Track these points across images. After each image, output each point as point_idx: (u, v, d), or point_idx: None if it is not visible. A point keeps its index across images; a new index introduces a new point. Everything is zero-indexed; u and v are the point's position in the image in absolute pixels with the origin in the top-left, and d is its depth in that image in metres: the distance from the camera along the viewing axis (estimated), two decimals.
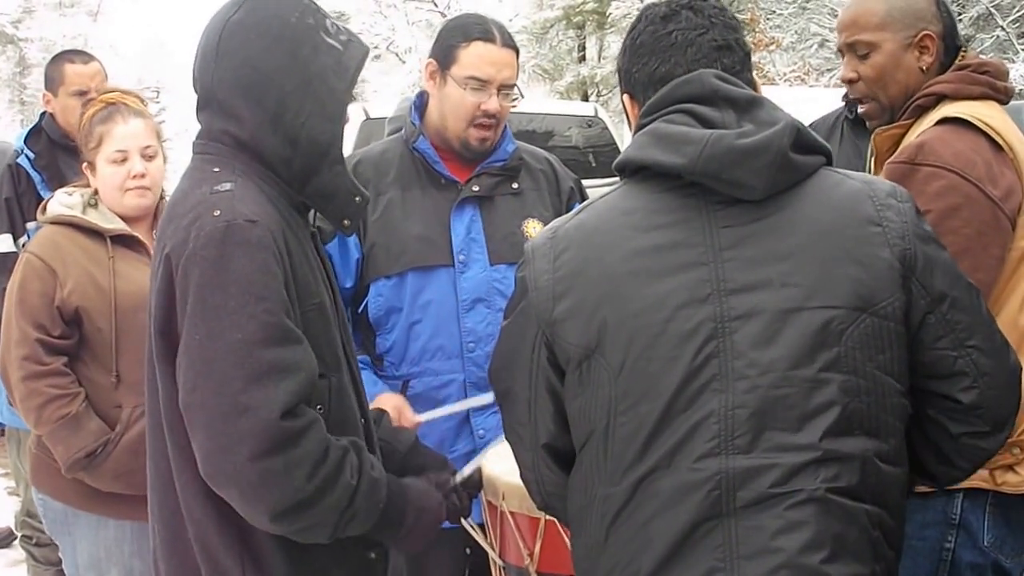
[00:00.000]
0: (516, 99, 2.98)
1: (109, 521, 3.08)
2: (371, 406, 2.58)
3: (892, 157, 2.43)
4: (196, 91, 2.09)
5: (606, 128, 9.21)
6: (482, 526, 2.56)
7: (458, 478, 2.34)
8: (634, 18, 1.98)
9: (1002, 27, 15.32)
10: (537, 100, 13.42)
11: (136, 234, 3.14)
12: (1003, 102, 2.48)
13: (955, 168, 2.30)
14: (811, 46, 18.87)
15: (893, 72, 2.51)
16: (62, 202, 3.17)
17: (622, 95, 2.00)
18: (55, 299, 3.01)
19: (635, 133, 1.90)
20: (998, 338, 1.85)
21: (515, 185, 3.00)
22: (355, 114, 7.21)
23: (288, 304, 1.92)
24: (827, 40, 18.11)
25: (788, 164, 1.78)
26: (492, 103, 2.89)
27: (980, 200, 2.30)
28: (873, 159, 2.59)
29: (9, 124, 27.48)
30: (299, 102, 2.01)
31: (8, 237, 4.19)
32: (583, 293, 1.80)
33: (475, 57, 2.88)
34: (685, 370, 1.72)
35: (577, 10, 22.49)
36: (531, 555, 2.35)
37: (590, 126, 9.22)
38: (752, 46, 1.97)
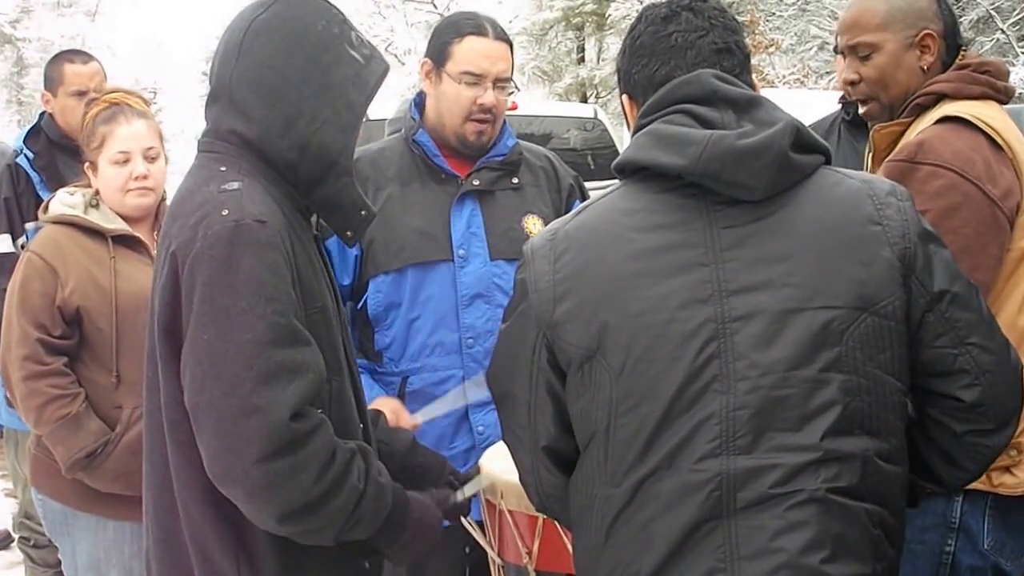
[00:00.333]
0: (512, 92, 2.98)
1: (108, 522, 3.08)
2: (374, 403, 2.59)
3: (891, 155, 2.43)
4: (211, 84, 2.08)
5: (605, 130, 9.22)
6: (481, 524, 2.56)
7: (459, 496, 2.33)
8: (633, 19, 1.98)
9: (1002, 30, 15.34)
10: (536, 102, 13.43)
11: (138, 234, 3.14)
12: (1003, 102, 2.48)
13: (955, 167, 2.30)
14: (811, 48, 18.88)
15: (894, 72, 2.51)
16: (64, 202, 3.16)
17: (621, 95, 2.00)
18: (56, 299, 3.01)
19: (634, 134, 1.90)
20: (999, 336, 1.85)
21: (515, 180, 3.01)
22: None
23: (296, 305, 1.91)
24: (827, 43, 18.12)
25: (788, 164, 1.78)
26: (488, 97, 2.89)
27: (979, 199, 2.30)
28: (871, 156, 2.59)
29: (6, 124, 27.48)
30: (314, 109, 2.00)
31: (7, 237, 4.18)
32: (584, 294, 1.80)
33: (468, 52, 2.89)
34: (686, 371, 1.72)
35: (576, 11, 22.52)
36: (530, 553, 2.36)
37: (589, 128, 9.22)
38: (751, 48, 1.98)
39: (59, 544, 3.24)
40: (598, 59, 23.64)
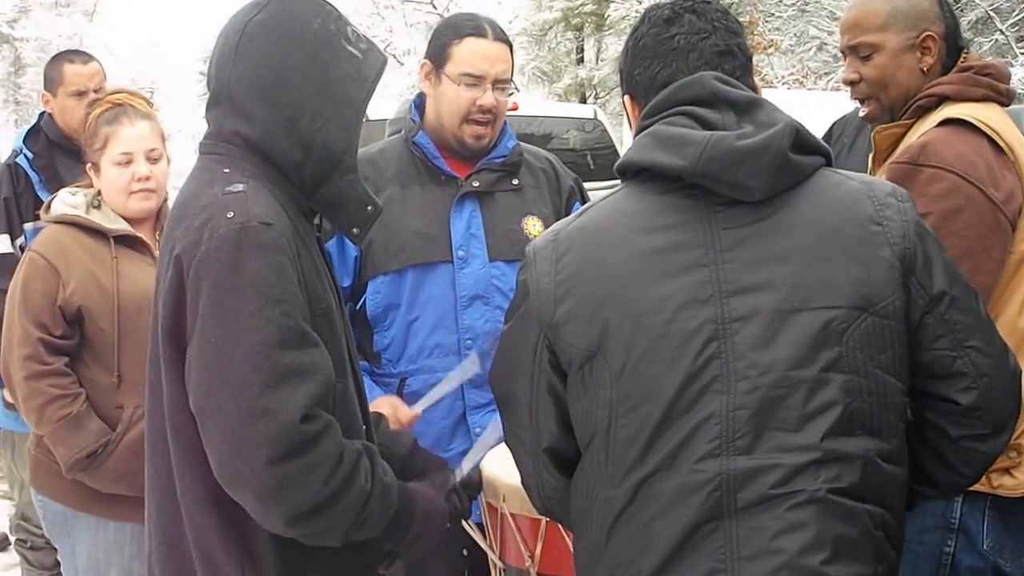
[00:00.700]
0: (512, 93, 2.98)
1: (109, 523, 3.08)
2: (373, 404, 2.58)
3: (894, 157, 2.43)
4: (209, 88, 2.08)
5: (605, 130, 9.21)
6: (481, 526, 2.55)
7: (458, 476, 2.33)
8: (633, 20, 1.99)
9: (1001, 31, 15.34)
10: (536, 102, 13.42)
11: (140, 235, 3.15)
12: (1004, 104, 2.48)
13: (957, 170, 2.31)
14: (810, 49, 18.88)
15: (895, 73, 2.51)
16: (66, 202, 3.17)
17: (623, 96, 2.00)
18: (57, 299, 3.01)
19: (636, 135, 1.90)
20: (997, 340, 1.85)
21: (515, 181, 3.00)
22: None
23: (304, 307, 1.91)
24: (826, 43, 18.12)
25: (788, 165, 1.78)
26: (487, 98, 2.89)
27: (982, 202, 2.30)
28: (871, 157, 2.59)
29: (4, 124, 27.47)
30: (316, 108, 2.00)
31: (6, 238, 4.18)
32: (585, 295, 1.80)
33: (468, 53, 2.89)
34: (686, 371, 1.72)
35: (576, 12, 22.52)
36: (532, 557, 2.35)
37: (589, 128, 9.22)
38: (751, 49, 1.98)
39: (58, 545, 3.24)
40: (597, 60, 23.64)
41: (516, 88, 3.00)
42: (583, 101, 21.80)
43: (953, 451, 1.85)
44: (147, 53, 38.76)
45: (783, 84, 17.12)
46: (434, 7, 24.70)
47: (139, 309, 2.94)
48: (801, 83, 17.46)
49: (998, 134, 2.37)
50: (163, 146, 3.21)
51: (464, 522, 2.51)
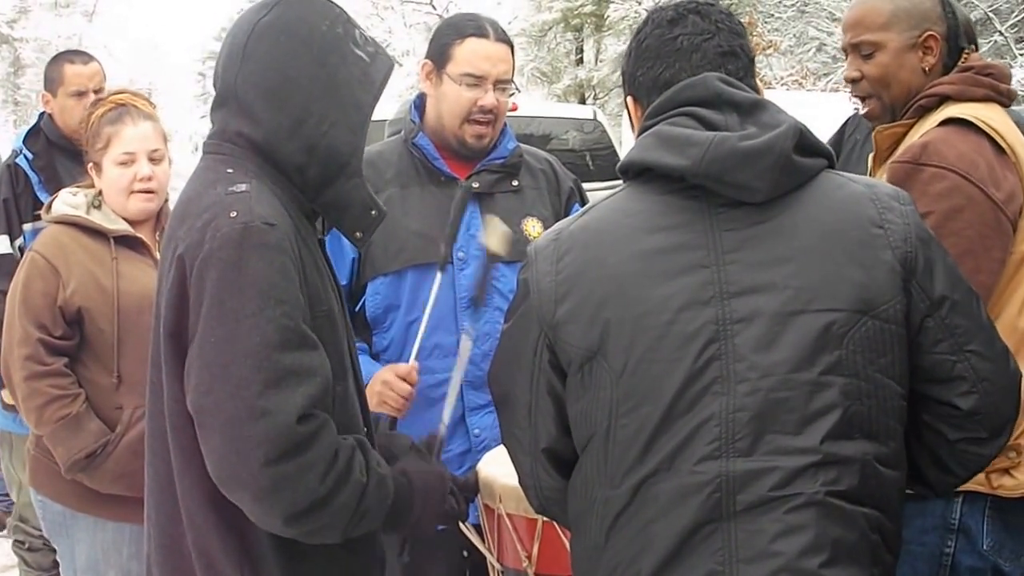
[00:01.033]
0: (513, 94, 2.98)
1: (107, 523, 3.08)
2: (368, 386, 2.57)
3: (896, 156, 2.43)
4: (215, 88, 2.07)
5: (604, 131, 9.21)
6: (478, 528, 2.55)
7: (442, 431, 2.32)
8: (632, 21, 2.00)
9: (1000, 32, 15.34)
10: (535, 103, 13.42)
11: (140, 235, 3.15)
12: (1005, 104, 2.48)
13: (959, 169, 2.31)
14: (809, 50, 18.88)
15: (896, 72, 2.52)
16: (67, 202, 3.17)
17: (625, 97, 2.00)
18: (57, 299, 3.02)
19: (639, 136, 1.90)
20: (998, 344, 1.85)
21: (515, 183, 3.00)
22: None
23: (305, 309, 1.91)
24: (825, 44, 18.13)
25: (791, 166, 1.78)
26: (488, 98, 2.89)
27: (983, 202, 2.31)
28: (872, 156, 2.59)
29: (2, 125, 27.45)
30: (323, 110, 2.00)
31: (5, 239, 4.17)
32: (585, 295, 1.80)
33: (469, 53, 2.89)
34: (686, 373, 1.72)
35: (575, 13, 22.54)
36: (529, 557, 2.35)
37: (588, 129, 9.22)
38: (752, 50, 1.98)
39: (57, 545, 3.24)
40: (596, 60, 23.65)
41: (517, 88, 3.01)
42: (582, 102, 21.81)
43: (950, 453, 1.86)
44: (146, 54, 38.74)
45: (782, 85, 17.11)
46: (433, 7, 24.70)
47: (139, 310, 2.94)
48: (800, 84, 17.45)
49: (999, 134, 2.37)
50: (165, 147, 3.21)
51: (461, 524, 2.51)
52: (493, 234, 2.49)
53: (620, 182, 1.93)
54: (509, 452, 1.99)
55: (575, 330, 1.80)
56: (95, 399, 3.04)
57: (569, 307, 1.81)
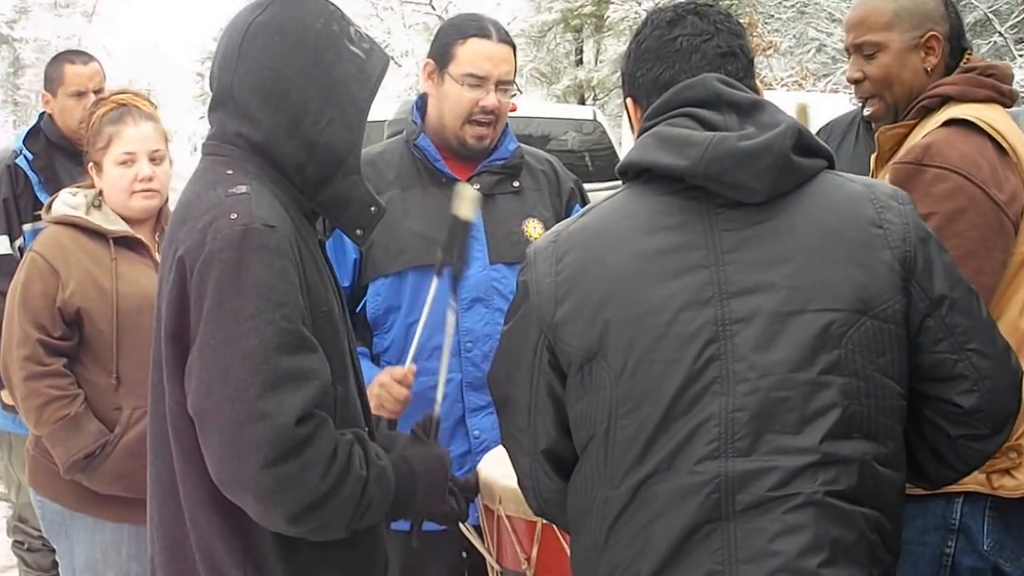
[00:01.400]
0: (515, 95, 2.98)
1: (106, 524, 3.08)
2: (367, 389, 2.57)
3: (898, 157, 2.44)
4: (212, 89, 2.07)
5: (604, 131, 9.20)
6: (478, 529, 2.55)
7: (437, 410, 2.32)
8: (632, 21, 2.00)
9: (1000, 32, 15.34)
10: (534, 104, 13.42)
11: (139, 236, 3.15)
12: (1007, 105, 2.49)
13: (961, 170, 2.31)
14: (809, 51, 18.87)
15: (899, 72, 2.52)
16: (66, 202, 3.17)
17: (625, 98, 2.00)
18: (57, 300, 3.02)
19: (638, 137, 1.90)
20: (999, 342, 1.85)
21: (516, 184, 3.00)
22: None
23: (304, 311, 1.91)
24: (825, 45, 18.12)
25: (789, 166, 1.78)
26: (490, 99, 2.89)
27: (985, 203, 2.31)
28: (874, 157, 2.59)
29: (2, 125, 27.47)
30: (319, 109, 2.00)
31: (5, 239, 4.17)
32: (585, 296, 1.80)
33: (472, 54, 2.89)
34: (686, 373, 1.72)
35: (575, 13, 22.55)
36: (528, 560, 2.35)
37: (588, 130, 9.21)
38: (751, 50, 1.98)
39: (57, 546, 3.24)
40: (596, 61, 23.66)
41: (519, 90, 3.01)
42: (582, 102, 21.81)
43: (950, 449, 1.86)
44: (145, 54, 38.78)
45: (782, 86, 17.11)
46: (432, 8, 24.70)
47: (138, 310, 2.94)
48: (800, 85, 17.45)
49: (1001, 135, 2.37)
50: (166, 147, 3.22)
51: (461, 525, 2.51)
52: (461, 200, 2.47)
53: (620, 183, 1.93)
54: (509, 453, 1.99)
55: (575, 331, 1.80)
56: (94, 400, 3.04)
57: (569, 308, 1.81)
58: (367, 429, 2.13)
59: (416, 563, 2.88)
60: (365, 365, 2.78)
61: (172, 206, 2.52)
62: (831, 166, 1.86)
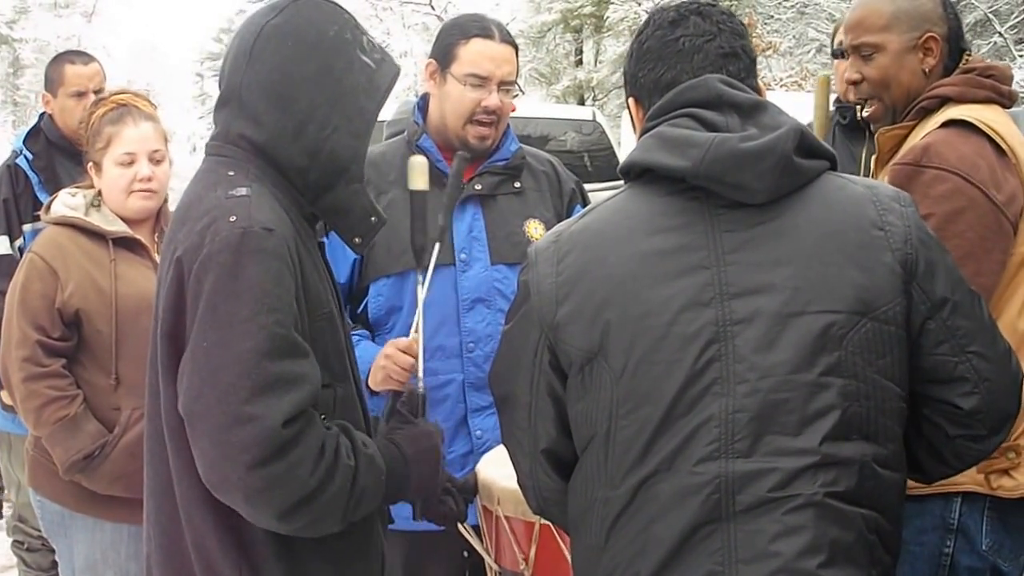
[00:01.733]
0: (516, 95, 2.99)
1: (105, 524, 3.09)
2: (371, 368, 2.61)
3: (897, 158, 2.44)
4: (220, 89, 2.07)
5: (603, 132, 9.20)
6: (477, 529, 2.56)
7: (420, 387, 2.31)
8: (632, 22, 2.00)
9: (1000, 33, 15.33)
10: (534, 104, 13.41)
11: (138, 237, 3.15)
12: (1006, 106, 2.49)
13: (960, 171, 2.31)
14: (809, 51, 18.87)
15: (896, 73, 2.52)
16: (65, 203, 3.17)
17: (627, 98, 2.00)
18: (56, 301, 3.02)
19: (640, 137, 1.90)
20: (1000, 344, 1.86)
21: (517, 184, 3.01)
22: None
23: (297, 316, 1.91)
24: (825, 45, 18.08)
25: (791, 168, 1.78)
26: (492, 99, 2.90)
27: (984, 204, 2.31)
28: (874, 159, 2.60)
29: (2, 125, 27.45)
30: (326, 116, 2.00)
31: (5, 239, 4.17)
32: (586, 296, 1.80)
33: (474, 54, 2.90)
34: (686, 374, 1.73)
35: (574, 14, 22.54)
36: (527, 560, 2.35)
37: (587, 130, 9.21)
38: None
39: (56, 545, 3.24)
40: (596, 61, 23.65)
41: (521, 90, 3.01)
42: (581, 103, 21.81)
43: (948, 447, 1.87)
44: (144, 55, 38.77)
45: (781, 86, 17.11)
46: (432, 9, 24.69)
47: (137, 311, 2.94)
48: (800, 85, 17.45)
49: (1000, 136, 2.38)
50: (166, 147, 3.22)
51: (460, 526, 2.51)
52: (415, 173, 2.46)
53: (619, 183, 1.94)
54: (509, 452, 1.99)
55: (576, 331, 1.80)
56: (93, 400, 3.04)
57: (570, 308, 1.81)
58: (366, 429, 2.14)
59: (417, 564, 2.89)
60: (366, 345, 2.79)
61: (172, 206, 2.52)
62: (833, 167, 1.86)
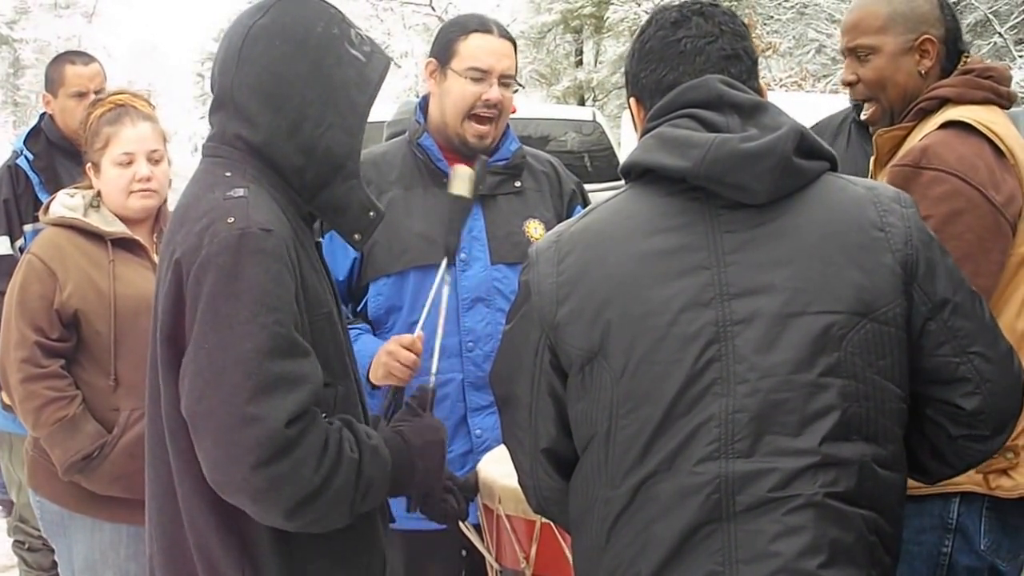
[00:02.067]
0: (516, 90, 3.00)
1: (105, 524, 3.08)
2: (372, 363, 2.61)
3: (896, 160, 2.44)
4: (212, 91, 2.08)
5: (603, 132, 9.20)
6: (478, 528, 2.56)
7: (432, 384, 2.31)
8: (632, 22, 2.00)
9: (1000, 33, 15.33)
10: (534, 104, 13.41)
11: (137, 237, 3.15)
12: (1005, 107, 2.49)
13: (958, 172, 2.31)
14: (808, 52, 18.86)
15: (892, 75, 2.53)
16: (64, 204, 3.17)
17: (628, 98, 2.00)
18: (54, 302, 3.02)
19: (641, 137, 1.90)
20: (1001, 344, 1.86)
21: (517, 184, 3.02)
22: None
23: (297, 316, 1.91)
24: (824, 45, 18.11)
25: (791, 168, 1.78)
26: (493, 92, 2.91)
27: (983, 205, 2.31)
28: (873, 160, 2.60)
29: (2, 125, 27.44)
30: (319, 113, 2.00)
31: (5, 239, 4.17)
32: (587, 296, 1.80)
33: (474, 48, 2.92)
34: (687, 374, 1.73)
35: (574, 14, 22.54)
36: (527, 559, 2.35)
37: (587, 131, 9.21)
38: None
39: (56, 546, 3.24)
40: (596, 62, 23.65)
41: (520, 85, 3.03)
42: (581, 103, 21.81)
43: (950, 447, 1.86)
44: (144, 55, 38.79)
45: (781, 87, 17.11)
46: (432, 9, 24.69)
47: (136, 312, 2.94)
48: (800, 86, 17.45)
49: (999, 137, 2.38)
50: (164, 147, 3.22)
51: (461, 524, 2.51)
52: (454, 179, 2.51)
53: (619, 183, 1.94)
54: (509, 451, 2.00)
55: (576, 331, 1.80)
56: (92, 401, 3.04)
57: (570, 308, 1.81)
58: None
59: (418, 562, 2.89)
60: (366, 338, 2.79)
61: (171, 206, 2.52)
62: (834, 168, 1.86)
